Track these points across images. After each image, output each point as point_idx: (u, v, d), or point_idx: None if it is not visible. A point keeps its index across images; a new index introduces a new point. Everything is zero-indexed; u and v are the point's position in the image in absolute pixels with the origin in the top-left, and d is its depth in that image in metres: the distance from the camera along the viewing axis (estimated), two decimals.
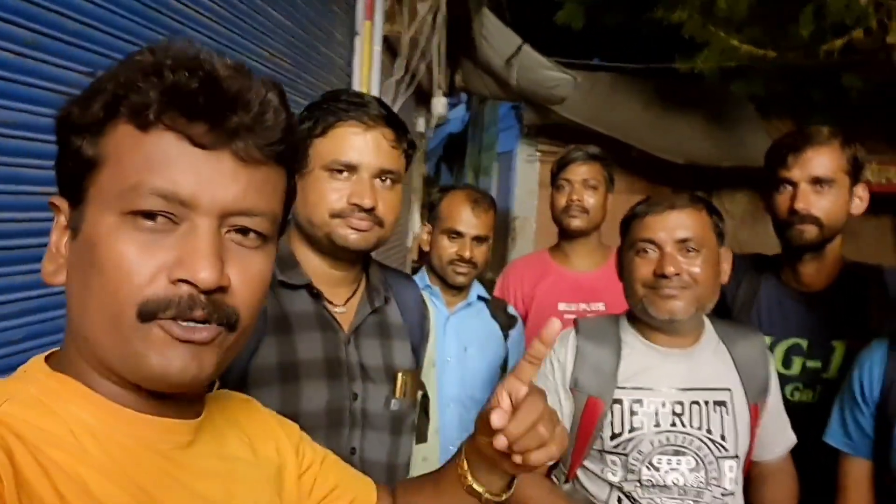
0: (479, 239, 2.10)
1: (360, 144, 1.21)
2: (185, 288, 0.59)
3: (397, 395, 1.31)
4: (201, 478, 0.67)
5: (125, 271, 0.58)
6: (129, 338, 0.59)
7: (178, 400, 0.66)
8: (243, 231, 0.63)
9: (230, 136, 0.60)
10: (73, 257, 0.62)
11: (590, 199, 2.31)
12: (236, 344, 0.65)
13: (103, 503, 0.57)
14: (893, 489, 1.40)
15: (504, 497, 0.88)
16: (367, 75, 3.75)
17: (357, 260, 1.31)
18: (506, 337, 2.21)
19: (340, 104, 1.23)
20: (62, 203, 0.64)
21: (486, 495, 0.86)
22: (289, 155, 0.66)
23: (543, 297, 2.39)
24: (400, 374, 1.32)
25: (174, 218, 0.59)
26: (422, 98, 5.34)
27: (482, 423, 0.81)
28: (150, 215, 0.59)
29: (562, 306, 2.36)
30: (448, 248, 2.11)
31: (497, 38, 5.54)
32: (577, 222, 2.32)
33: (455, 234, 2.10)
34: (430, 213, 2.20)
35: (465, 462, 0.87)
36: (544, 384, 1.49)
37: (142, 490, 0.60)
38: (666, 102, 7.64)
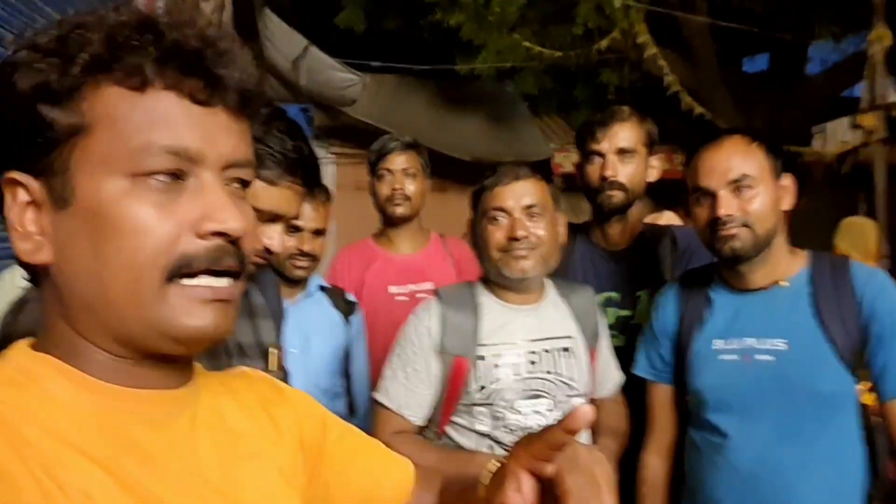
0: (318, 231, 2.11)
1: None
2: (215, 240, 0.61)
3: (269, 367, 1.39)
4: (190, 452, 0.65)
5: (147, 233, 0.58)
6: (153, 300, 0.59)
7: (165, 370, 0.65)
8: (237, 181, 0.65)
9: (224, 92, 0.62)
10: (64, 230, 0.60)
11: (410, 187, 2.39)
12: (241, 292, 0.66)
13: (77, 480, 0.56)
14: (689, 405, 1.66)
15: None
16: None
17: None
18: (347, 322, 2.24)
19: None
20: (24, 178, 0.60)
21: None
22: (259, 109, 0.68)
23: (373, 281, 2.44)
24: (270, 349, 1.41)
25: (181, 175, 0.60)
26: None
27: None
28: (159, 174, 0.59)
29: (392, 289, 2.43)
30: (287, 241, 2.08)
31: (281, 39, 5.47)
32: (400, 210, 2.40)
33: (294, 228, 2.08)
34: None
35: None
36: (412, 350, 1.58)
37: (119, 465, 0.59)
38: (449, 102, 8.03)
